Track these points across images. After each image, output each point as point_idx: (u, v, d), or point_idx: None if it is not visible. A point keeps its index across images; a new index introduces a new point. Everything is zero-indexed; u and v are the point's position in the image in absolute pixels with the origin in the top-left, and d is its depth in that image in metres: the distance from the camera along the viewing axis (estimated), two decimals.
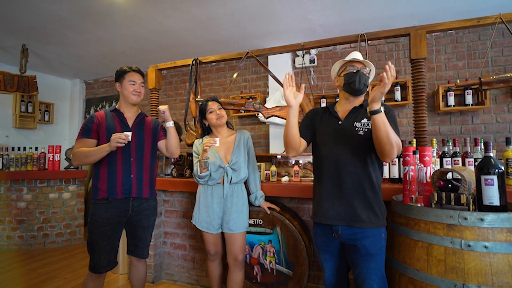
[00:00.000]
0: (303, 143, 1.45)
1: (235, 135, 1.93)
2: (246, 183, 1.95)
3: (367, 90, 1.43)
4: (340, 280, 1.48)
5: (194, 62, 2.70)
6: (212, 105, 1.86)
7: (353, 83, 1.35)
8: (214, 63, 4.17)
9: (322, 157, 1.42)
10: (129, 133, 1.57)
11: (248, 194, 1.95)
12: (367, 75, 1.40)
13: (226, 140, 1.90)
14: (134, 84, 1.73)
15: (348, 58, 1.42)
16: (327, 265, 1.46)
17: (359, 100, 1.44)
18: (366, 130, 1.34)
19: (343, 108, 1.46)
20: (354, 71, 1.37)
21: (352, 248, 1.34)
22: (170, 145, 1.78)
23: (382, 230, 1.33)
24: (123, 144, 1.54)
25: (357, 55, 1.43)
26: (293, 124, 1.36)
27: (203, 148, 1.74)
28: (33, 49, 3.85)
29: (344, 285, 1.50)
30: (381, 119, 1.17)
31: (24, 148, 3.70)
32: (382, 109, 1.17)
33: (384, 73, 1.12)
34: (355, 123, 1.38)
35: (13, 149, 3.68)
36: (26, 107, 4.53)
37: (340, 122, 1.41)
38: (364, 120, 1.36)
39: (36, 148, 3.72)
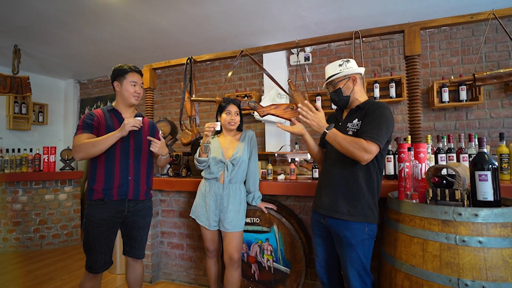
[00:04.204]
0: (325, 151, 1.64)
1: (241, 134, 1.98)
2: (245, 183, 1.96)
3: (350, 95, 1.50)
4: (330, 267, 1.55)
5: (188, 61, 2.69)
6: (231, 108, 1.90)
7: (333, 102, 1.56)
8: (209, 62, 4.15)
9: (325, 155, 1.61)
10: (140, 119, 1.60)
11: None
12: (336, 89, 1.50)
13: (232, 139, 1.94)
14: (135, 85, 1.70)
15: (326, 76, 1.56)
16: (319, 249, 1.56)
17: (357, 103, 1.51)
18: (355, 130, 1.43)
19: (346, 111, 1.58)
20: (330, 93, 1.56)
21: (336, 237, 1.44)
22: (159, 164, 1.90)
23: (366, 225, 1.39)
24: (137, 129, 1.58)
25: (327, 70, 1.54)
26: (311, 145, 1.60)
27: (204, 133, 1.79)
28: (26, 50, 3.80)
29: (335, 274, 1.57)
30: (330, 138, 1.37)
31: (19, 150, 3.66)
32: (328, 129, 1.36)
33: (300, 114, 1.39)
34: (348, 123, 1.47)
35: (7, 151, 3.64)
36: (20, 108, 4.48)
37: (340, 123, 1.54)
38: (355, 121, 1.45)
39: (31, 150, 3.68)
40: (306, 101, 1.40)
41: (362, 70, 1.51)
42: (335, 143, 1.36)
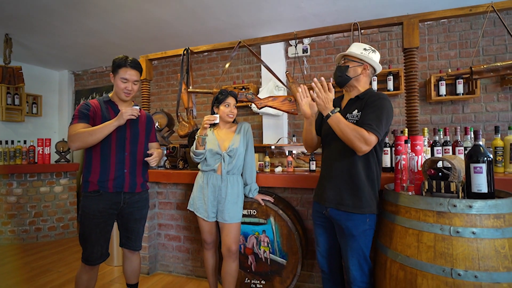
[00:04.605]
0: (319, 138, 1.63)
1: (236, 126, 1.97)
2: (242, 175, 1.96)
3: (351, 78, 1.49)
4: (332, 256, 1.57)
5: (185, 52, 2.65)
6: (230, 100, 1.89)
7: (334, 75, 1.54)
8: (206, 53, 4.11)
9: (324, 145, 1.59)
10: (138, 107, 1.60)
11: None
12: (344, 65, 1.49)
13: (228, 131, 1.94)
14: (125, 82, 1.64)
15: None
16: (321, 239, 1.58)
17: (356, 91, 1.50)
18: (355, 121, 1.41)
19: (345, 99, 1.57)
20: (337, 65, 1.54)
21: (338, 227, 1.47)
22: None
23: (368, 216, 1.41)
24: (135, 117, 1.57)
25: (351, 47, 1.52)
26: (309, 131, 1.55)
27: (203, 125, 1.76)
28: (18, 39, 3.72)
29: (335, 264, 1.59)
30: (333, 121, 1.34)
31: (12, 142, 3.61)
32: (332, 113, 1.34)
33: (311, 92, 1.37)
34: (347, 114, 1.46)
35: (0, 142, 3.59)
36: (13, 99, 4.40)
37: (335, 107, 1.49)
38: (355, 112, 1.44)
39: (25, 142, 3.64)
40: (322, 78, 1.36)
41: (379, 67, 1.49)
42: (337, 128, 1.34)
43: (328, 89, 1.36)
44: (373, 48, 1.49)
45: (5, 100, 4.30)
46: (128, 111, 1.54)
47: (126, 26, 3.39)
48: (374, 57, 1.48)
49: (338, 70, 1.50)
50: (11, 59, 3.70)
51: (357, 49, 1.48)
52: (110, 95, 1.72)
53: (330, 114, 1.34)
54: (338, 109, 1.36)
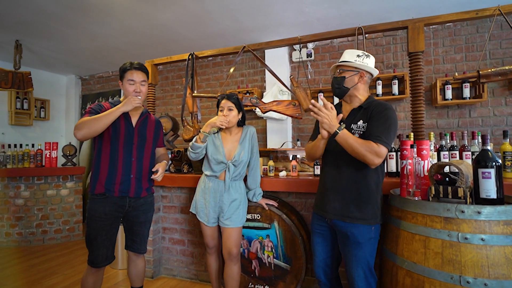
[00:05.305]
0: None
1: (242, 131, 1.92)
2: (245, 179, 1.95)
3: (350, 89, 1.46)
4: (329, 266, 1.54)
5: (190, 56, 2.67)
6: (224, 104, 1.83)
7: (332, 87, 1.50)
8: (211, 58, 4.13)
9: (326, 155, 1.53)
10: (140, 97, 1.65)
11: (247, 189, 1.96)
12: (340, 76, 1.47)
13: (233, 138, 1.90)
14: (133, 84, 1.66)
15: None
16: (318, 248, 1.53)
17: (357, 100, 1.47)
18: (361, 132, 1.39)
19: (345, 108, 1.53)
20: (333, 76, 1.51)
21: (342, 235, 1.43)
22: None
23: (373, 226, 1.39)
24: (139, 105, 1.63)
25: (344, 54, 1.51)
26: (321, 149, 1.47)
27: (213, 123, 1.74)
28: (27, 45, 3.80)
29: (333, 274, 1.56)
30: (341, 138, 1.31)
31: (21, 145, 3.68)
32: (340, 130, 1.30)
33: (311, 111, 1.33)
34: (352, 125, 1.44)
35: (9, 146, 3.65)
36: (22, 103, 4.49)
37: (341, 122, 1.46)
38: (360, 122, 1.42)
39: (33, 145, 3.70)
40: (322, 97, 1.35)
41: (375, 72, 1.48)
42: (346, 144, 1.31)
43: (331, 107, 1.32)
44: (366, 53, 1.47)
45: (15, 105, 4.39)
46: (136, 99, 1.57)
47: (131, 31, 3.44)
48: (369, 63, 1.46)
49: (335, 82, 1.48)
50: (20, 65, 3.77)
51: (350, 57, 1.46)
52: (121, 99, 1.75)
53: (338, 131, 1.30)
54: (344, 125, 1.34)
